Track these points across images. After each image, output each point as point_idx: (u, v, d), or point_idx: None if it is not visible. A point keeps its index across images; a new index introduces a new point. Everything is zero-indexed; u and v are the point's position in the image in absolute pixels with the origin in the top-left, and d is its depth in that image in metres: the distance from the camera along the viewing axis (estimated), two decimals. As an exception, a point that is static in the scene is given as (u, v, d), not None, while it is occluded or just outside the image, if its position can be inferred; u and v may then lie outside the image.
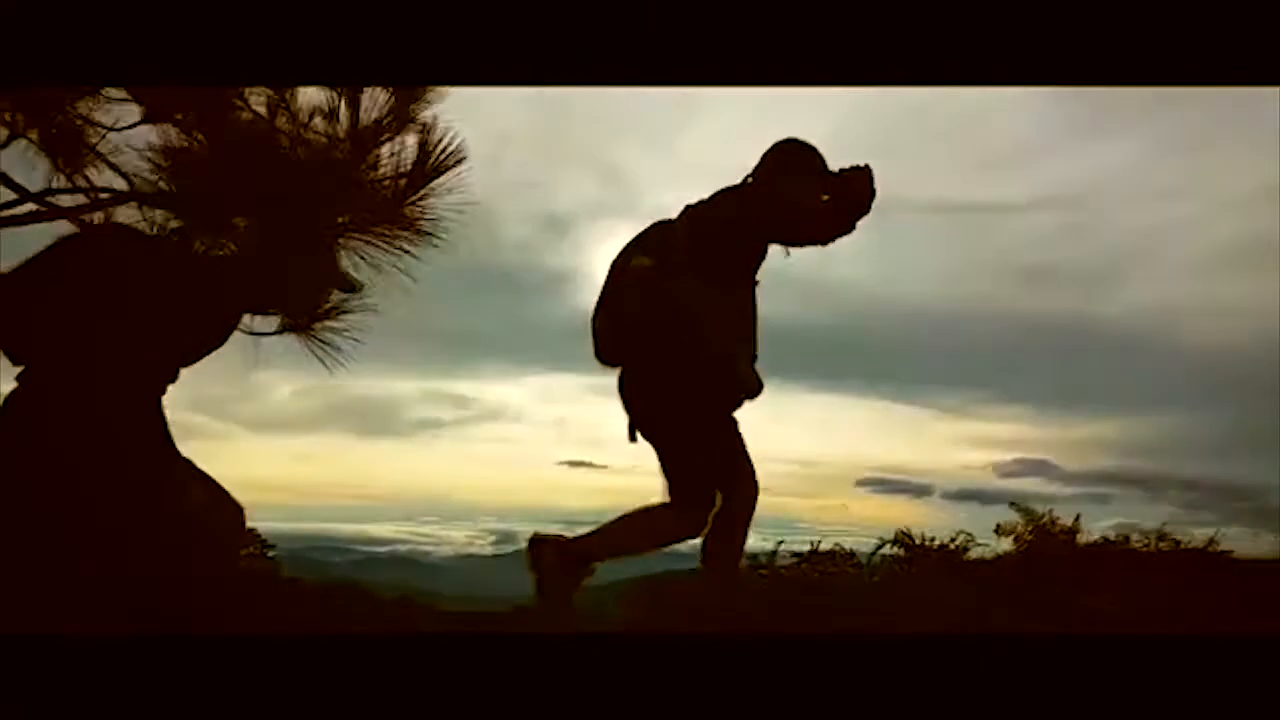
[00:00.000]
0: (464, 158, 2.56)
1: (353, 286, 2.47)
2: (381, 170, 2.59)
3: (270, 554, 5.32)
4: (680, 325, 2.37)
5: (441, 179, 2.56)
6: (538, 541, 2.53)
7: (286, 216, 2.34)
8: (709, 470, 2.44)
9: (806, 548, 3.94)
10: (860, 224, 2.55)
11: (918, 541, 3.68)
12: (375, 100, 2.61)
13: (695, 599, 2.51)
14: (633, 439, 2.51)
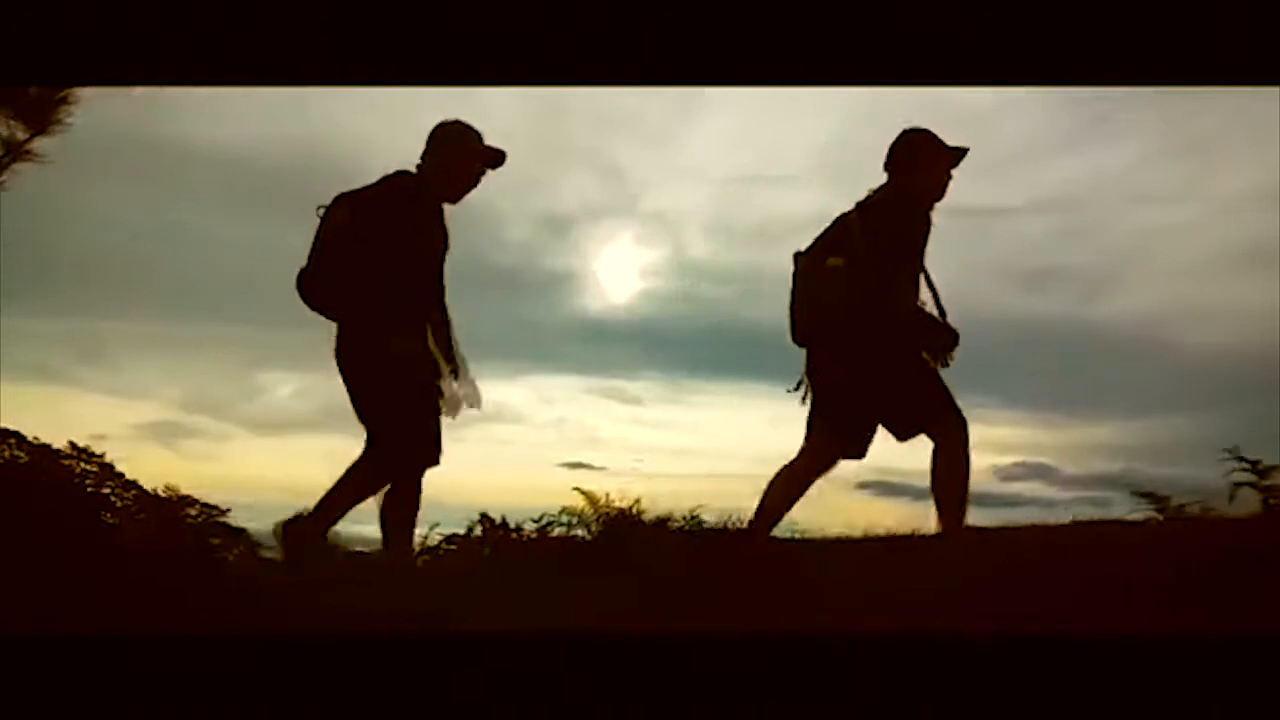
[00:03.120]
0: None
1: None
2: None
3: (269, 554, 5.32)
4: (874, 304, 2.83)
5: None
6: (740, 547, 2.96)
7: None
8: (873, 415, 2.91)
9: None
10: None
11: (498, 523, 3.84)
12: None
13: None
14: (804, 401, 3.02)
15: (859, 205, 2.99)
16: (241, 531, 5.20)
